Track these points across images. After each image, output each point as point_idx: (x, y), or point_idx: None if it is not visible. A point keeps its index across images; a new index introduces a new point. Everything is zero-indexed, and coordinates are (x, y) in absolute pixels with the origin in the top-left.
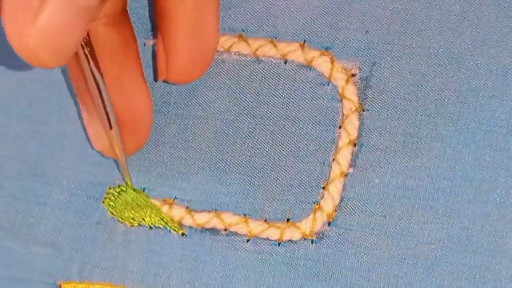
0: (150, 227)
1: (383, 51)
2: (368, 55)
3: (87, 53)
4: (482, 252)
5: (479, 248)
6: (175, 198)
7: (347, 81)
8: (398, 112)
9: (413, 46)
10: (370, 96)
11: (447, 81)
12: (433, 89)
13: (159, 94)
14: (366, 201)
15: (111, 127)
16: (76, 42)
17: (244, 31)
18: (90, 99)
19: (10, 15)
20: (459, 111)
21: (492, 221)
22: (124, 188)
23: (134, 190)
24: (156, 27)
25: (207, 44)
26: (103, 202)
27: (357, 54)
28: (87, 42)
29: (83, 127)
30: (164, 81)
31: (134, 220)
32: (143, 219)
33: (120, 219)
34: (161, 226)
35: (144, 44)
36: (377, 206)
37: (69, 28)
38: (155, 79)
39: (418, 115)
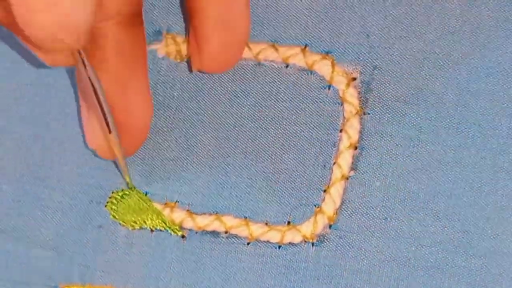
0: (151, 230)
1: (384, 55)
2: (369, 59)
3: (83, 57)
4: (482, 255)
5: (480, 251)
6: (176, 201)
7: (348, 84)
8: (399, 116)
9: (414, 50)
10: (371, 100)
11: (448, 85)
12: (434, 92)
13: (161, 98)
14: (367, 204)
15: (109, 131)
16: (91, 18)
17: None
18: (90, 98)
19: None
20: (460, 114)
21: (492, 224)
22: (127, 192)
23: (137, 193)
24: (187, 19)
25: (238, 35)
26: (106, 205)
27: (358, 58)
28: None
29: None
30: (199, 71)
31: (136, 223)
32: (145, 222)
33: (122, 222)
34: (162, 229)
35: None
36: (378, 209)
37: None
38: (190, 69)
39: (419, 119)
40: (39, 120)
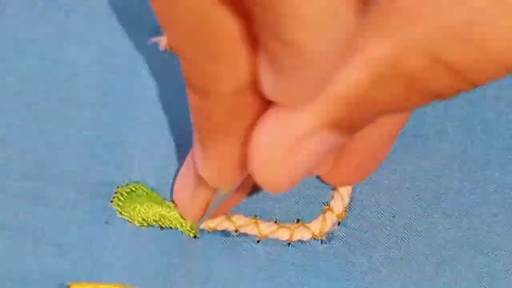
0: (161, 228)
1: None
2: None
3: None
4: (490, 252)
5: (487, 248)
6: None
7: None
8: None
9: None
10: None
11: None
12: None
13: (166, 92)
14: (376, 202)
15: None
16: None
17: None
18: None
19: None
20: (467, 112)
21: (500, 221)
22: (133, 188)
23: (145, 189)
24: None
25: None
26: (111, 201)
27: None
28: None
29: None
30: None
31: (144, 220)
32: (154, 219)
33: (130, 219)
34: (173, 228)
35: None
36: (386, 206)
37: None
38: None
39: (427, 118)
40: (43, 115)
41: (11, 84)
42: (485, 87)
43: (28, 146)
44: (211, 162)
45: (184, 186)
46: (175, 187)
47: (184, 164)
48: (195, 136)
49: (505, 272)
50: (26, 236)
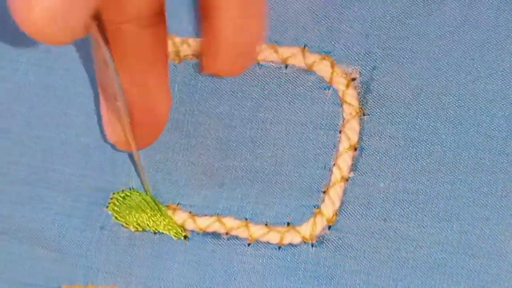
0: (154, 233)
1: (383, 56)
2: (369, 60)
3: (106, 51)
4: (481, 255)
5: (478, 251)
6: (178, 203)
7: (348, 85)
8: (399, 117)
9: (413, 51)
10: (371, 101)
11: (447, 85)
12: (433, 93)
13: None
14: (366, 205)
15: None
16: (83, 17)
17: None
18: (109, 90)
19: None
20: (459, 115)
21: (491, 224)
22: (128, 193)
23: (139, 194)
24: (201, 19)
25: (255, 38)
26: (107, 207)
27: (357, 59)
28: (105, 39)
29: (86, 129)
30: (211, 73)
31: (139, 225)
32: (148, 224)
33: (124, 224)
34: (165, 231)
35: None
36: (377, 210)
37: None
38: (200, 70)
39: (419, 120)
40: (40, 121)
41: (9, 91)
42: (478, 90)
43: (25, 151)
44: None
45: (106, 119)
46: (105, 130)
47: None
48: None
49: (497, 276)
50: (22, 240)
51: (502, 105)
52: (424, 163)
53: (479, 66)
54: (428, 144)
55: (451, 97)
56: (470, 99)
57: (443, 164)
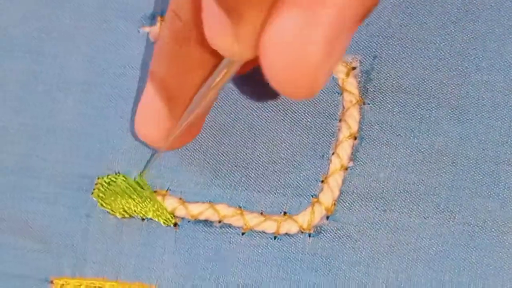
0: (142, 219)
1: (384, 45)
2: (369, 48)
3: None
4: (483, 247)
5: (480, 243)
6: (168, 189)
7: (348, 74)
8: (399, 106)
9: (415, 40)
10: (371, 90)
11: (449, 75)
12: (435, 82)
13: None
14: (366, 195)
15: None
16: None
17: None
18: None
19: None
20: (461, 105)
21: (493, 216)
22: (113, 178)
23: (125, 179)
24: None
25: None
26: (92, 193)
27: (358, 47)
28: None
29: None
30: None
31: (126, 212)
32: (135, 211)
33: (110, 211)
34: (153, 218)
35: (139, 31)
36: (377, 200)
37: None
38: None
39: (420, 109)
40: (25, 109)
41: None
42: (481, 80)
43: (10, 139)
44: (246, 28)
45: (149, 115)
46: (139, 123)
47: (145, 95)
48: (218, 11)
49: (499, 268)
50: (9, 230)
51: (505, 95)
52: (425, 153)
53: (481, 55)
54: (429, 134)
55: (453, 86)
56: (472, 89)
57: (445, 154)
